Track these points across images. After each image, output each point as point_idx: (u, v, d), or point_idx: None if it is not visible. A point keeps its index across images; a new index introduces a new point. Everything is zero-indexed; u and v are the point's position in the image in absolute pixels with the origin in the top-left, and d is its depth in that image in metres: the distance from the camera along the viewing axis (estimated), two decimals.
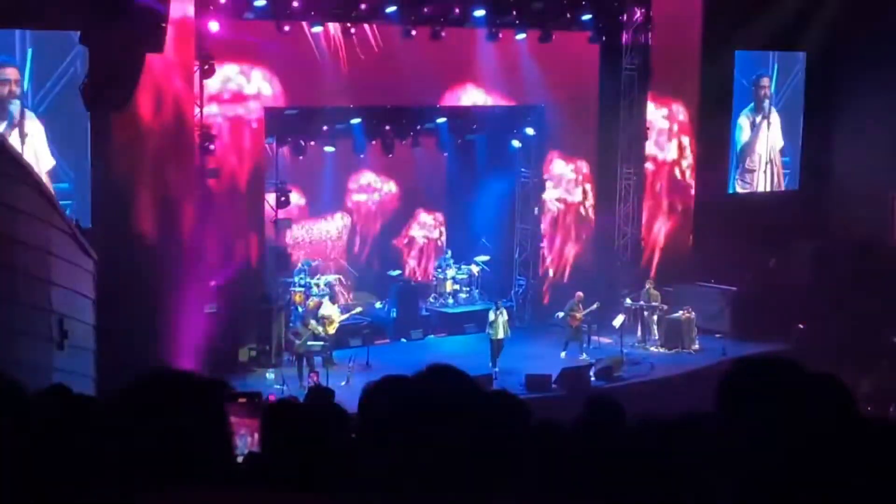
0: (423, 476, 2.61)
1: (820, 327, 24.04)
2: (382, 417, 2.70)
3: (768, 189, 28.70)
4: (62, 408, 4.16)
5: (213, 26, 19.91)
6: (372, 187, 25.62)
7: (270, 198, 21.86)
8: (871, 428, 3.10)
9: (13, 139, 18.37)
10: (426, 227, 26.55)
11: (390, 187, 25.77)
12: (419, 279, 25.97)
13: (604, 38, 24.95)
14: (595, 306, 23.04)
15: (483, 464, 2.67)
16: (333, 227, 25.17)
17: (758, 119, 28.31)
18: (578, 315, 22.81)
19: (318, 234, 24.91)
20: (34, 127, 19.13)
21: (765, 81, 28.21)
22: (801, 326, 24.26)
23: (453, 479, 2.61)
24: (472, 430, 2.66)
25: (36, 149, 19.04)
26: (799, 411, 2.65)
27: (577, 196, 26.33)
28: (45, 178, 18.58)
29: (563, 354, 22.56)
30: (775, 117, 28.59)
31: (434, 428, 2.64)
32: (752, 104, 28.17)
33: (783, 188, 28.99)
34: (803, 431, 2.63)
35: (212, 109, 20.74)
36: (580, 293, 23.13)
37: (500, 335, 21.59)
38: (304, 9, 20.95)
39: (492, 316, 21.81)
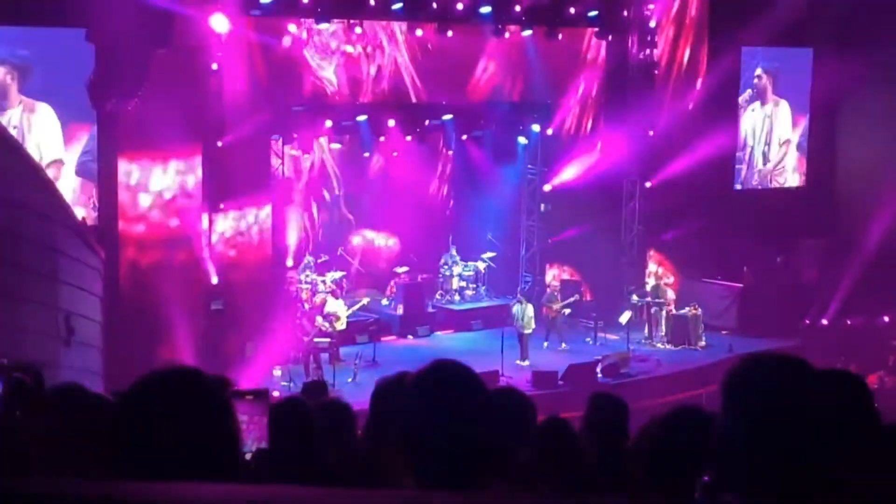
0: (431, 471, 2.61)
1: (826, 324, 24.05)
2: (393, 413, 2.71)
3: (757, 179, 28.67)
4: (76, 405, 4.18)
5: (219, 24, 19.91)
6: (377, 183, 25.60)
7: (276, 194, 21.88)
8: (887, 425, 3.10)
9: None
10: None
11: (397, 184, 25.73)
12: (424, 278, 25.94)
13: (610, 34, 24.94)
14: (573, 299, 23.20)
15: (488, 459, 2.67)
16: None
17: (758, 112, 28.28)
18: (555, 306, 22.99)
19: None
20: (41, 118, 19.10)
21: (758, 72, 28.14)
22: (806, 322, 24.26)
23: (459, 475, 2.61)
24: (477, 426, 2.66)
25: (39, 140, 19.05)
26: (807, 407, 2.65)
27: (582, 192, 26.30)
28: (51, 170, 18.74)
29: (545, 344, 22.75)
30: (780, 109, 28.54)
31: (439, 424, 2.64)
32: (753, 96, 28.10)
33: (787, 179, 28.96)
34: (813, 427, 2.63)
35: (218, 105, 20.71)
36: (556, 283, 23.32)
37: (529, 329, 21.83)
38: (310, 6, 20.95)
39: (517, 310, 21.97)
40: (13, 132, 18.38)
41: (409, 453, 2.63)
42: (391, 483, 2.67)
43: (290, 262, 22.62)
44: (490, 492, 2.68)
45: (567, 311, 23.45)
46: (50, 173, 18.52)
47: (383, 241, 25.74)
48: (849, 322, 24.21)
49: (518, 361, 21.43)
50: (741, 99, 27.81)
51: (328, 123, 22.49)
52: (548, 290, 23.76)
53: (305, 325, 20.94)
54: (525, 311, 21.91)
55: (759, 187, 28.53)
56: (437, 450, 2.61)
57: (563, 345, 22.85)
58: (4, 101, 18.73)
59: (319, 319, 20.96)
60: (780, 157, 28.75)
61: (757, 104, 28.09)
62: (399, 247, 25.64)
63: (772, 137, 28.54)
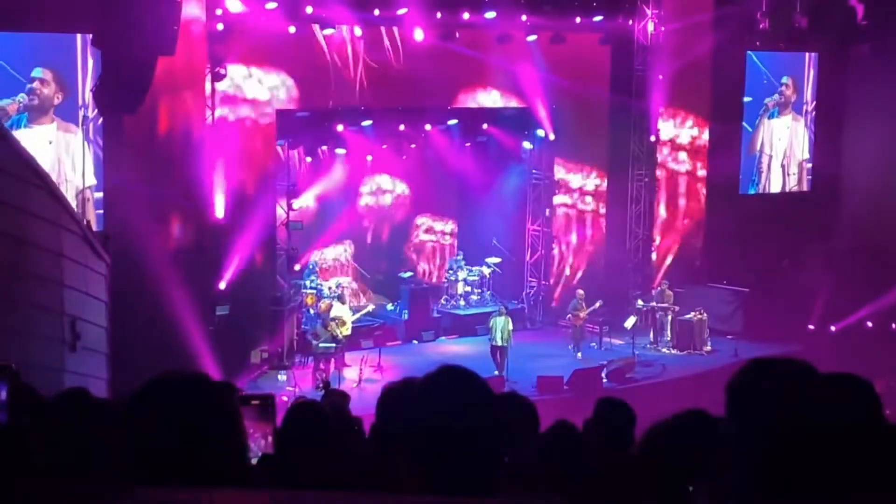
0: (439, 476, 2.61)
1: (833, 329, 24.03)
2: (401, 418, 2.71)
3: (778, 190, 28.64)
4: (80, 410, 4.18)
5: (220, 27, 19.92)
6: (383, 189, 25.61)
7: (281, 200, 21.92)
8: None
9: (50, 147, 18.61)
10: (435, 232, 26.53)
11: (402, 189, 25.76)
12: (432, 281, 25.96)
13: (615, 40, 24.95)
14: (597, 305, 23.12)
15: (496, 464, 2.68)
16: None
17: (779, 122, 28.29)
18: (581, 314, 22.88)
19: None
20: (77, 141, 19.15)
21: (785, 80, 28.16)
22: (811, 328, 24.28)
23: (467, 480, 2.61)
24: (485, 431, 2.66)
25: (75, 162, 19.13)
26: (813, 412, 2.64)
27: (588, 198, 26.33)
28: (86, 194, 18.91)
29: (579, 355, 22.64)
30: (799, 126, 28.59)
31: (448, 429, 2.64)
32: (777, 101, 28.12)
33: (804, 189, 28.96)
34: (819, 432, 2.62)
35: (223, 112, 20.77)
36: (581, 291, 23.24)
37: (499, 341, 21.31)
38: (315, 11, 20.95)
39: (494, 323, 21.51)
40: (48, 147, 18.53)
41: (417, 458, 2.63)
42: (398, 488, 2.67)
43: (297, 267, 22.65)
44: (497, 496, 2.67)
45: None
46: (87, 195, 18.77)
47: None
48: (855, 327, 24.18)
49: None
50: (768, 101, 27.82)
51: (340, 128, 22.56)
52: (575, 297, 23.50)
53: (317, 330, 20.93)
54: (505, 325, 21.35)
55: (764, 192, 28.50)
56: (446, 455, 2.61)
57: (579, 354, 22.79)
58: (43, 116, 18.79)
59: (333, 325, 20.94)
60: (798, 173, 28.80)
61: (776, 112, 28.07)
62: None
63: (791, 152, 28.56)
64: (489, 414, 2.70)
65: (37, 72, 18.69)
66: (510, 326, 21.47)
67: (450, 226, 26.64)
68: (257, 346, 21.32)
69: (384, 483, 2.78)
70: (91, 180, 19.29)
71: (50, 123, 18.93)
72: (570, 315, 23.01)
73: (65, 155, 18.98)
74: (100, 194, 19.56)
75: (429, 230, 26.43)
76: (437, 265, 26.41)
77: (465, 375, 2.76)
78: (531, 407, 5.62)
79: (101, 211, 19.54)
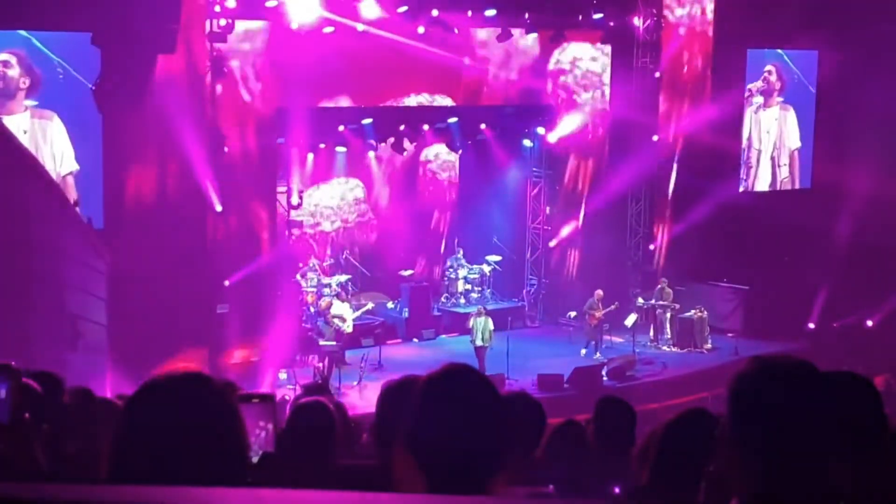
0: (442, 475, 2.61)
1: (832, 326, 24.02)
2: (403, 416, 2.70)
3: (767, 185, 28.60)
4: (80, 409, 4.19)
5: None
6: (384, 187, 25.59)
7: (282, 198, 21.92)
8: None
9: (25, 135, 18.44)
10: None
11: (402, 187, 25.74)
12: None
13: (615, 38, 24.94)
14: (614, 306, 22.99)
15: (501, 463, 2.67)
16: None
17: (766, 114, 28.22)
18: (598, 314, 22.76)
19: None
20: (55, 127, 19.05)
21: (769, 68, 28.07)
22: (811, 326, 24.29)
23: (471, 479, 2.61)
24: (490, 430, 2.66)
25: (53, 150, 19.00)
26: (814, 410, 2.64)
27: (587, 194, 26.34)
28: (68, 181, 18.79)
29: (583, 352, 22.57)
30: (789, 116, 28.51)
31: (453, 428, 2.64)
32: (761, 89, 28.05)
33: (796, 187, 28.92)
34: (820, 430, 2.62)
35: (223, 109, 20.76)
36: (600, 291, 23.03)
37: (479, 342, 21.18)
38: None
39: (474, 323, 21.35)
40: (23, 136, 18.35)
41: (421, 457, 2.62)
42: (399, 487, 2.67)
43: (300, 265, 22.66)
44: (499, 496, 2.67)
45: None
46: (68, 182, 18.63)
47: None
48: (855, 325, 24.16)
49: None
50: (751, 86, 27.73)
51: (340, 128, 22.54)
52: (591, 297, 23.35)
53: (321, 329, 20.90)
54: (486, 325, 21.16)
55: (760, 190, 28.48)
56: (450, 454, 2.60)
57: (583, 351, 22.71)
58: (11, 103, 18.57)
59: (336, 322, 20.93)
60: (790, 164, 28.75)
61: (761, 102, 27.99)
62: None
63: (781, 143, 28.51)
64: (495, 412, 2.70)
65: (0, 55, 18.42)
66: (490, 326, 21.31)
67: (453, 157, 26.30)
68: (258, 344, 21.32)
69: (385, 481, 2.77)
70: (72, 166, 19.09)
71: (23, 112, 18.59)
72: (585, 314, 22.90)
73: (42, 143, 18.67)
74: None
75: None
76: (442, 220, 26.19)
77: (471, 374, 2.76)
78: (538, 406, 5.62)
79: (102, 209, 19.51)
